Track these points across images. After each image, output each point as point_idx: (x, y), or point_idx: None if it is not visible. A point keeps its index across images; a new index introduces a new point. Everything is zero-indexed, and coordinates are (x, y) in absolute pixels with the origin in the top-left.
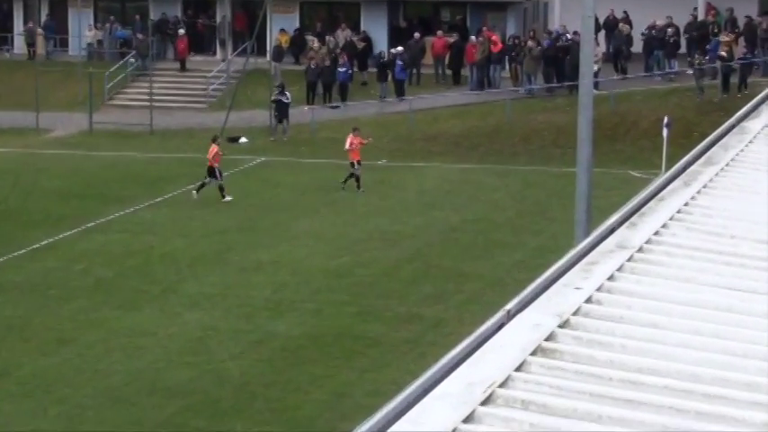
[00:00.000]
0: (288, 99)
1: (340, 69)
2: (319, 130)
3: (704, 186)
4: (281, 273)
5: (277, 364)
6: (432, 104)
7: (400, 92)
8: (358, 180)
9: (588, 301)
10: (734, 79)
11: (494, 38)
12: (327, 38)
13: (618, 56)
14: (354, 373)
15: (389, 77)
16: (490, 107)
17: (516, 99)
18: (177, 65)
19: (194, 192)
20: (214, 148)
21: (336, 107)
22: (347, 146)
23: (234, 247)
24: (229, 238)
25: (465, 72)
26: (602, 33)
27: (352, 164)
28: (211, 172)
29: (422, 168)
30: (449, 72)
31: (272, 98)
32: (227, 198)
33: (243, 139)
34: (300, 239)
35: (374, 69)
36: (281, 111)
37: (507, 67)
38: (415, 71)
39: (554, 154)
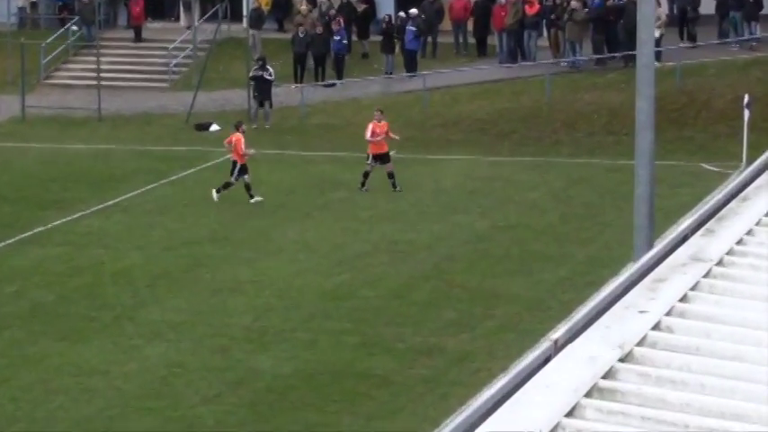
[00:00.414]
0: (270, 76)
1: (335, 38)
2: (310, 115)
3: None
4: (264, 294)
5: (261, 409)
6: (451, 81)
7: (411, 66)
8: (366, 176)
9: (656, 327)
10: None
11: None
12: None
13: (684, 18)
14: (359, 420)
15: (397, 48)
16: (524, 84)
17: (557, 74)
18: (131, 33)
19: (252, 198)
20: (239, 138)
21: (331, 85)
22: (368, 135)
23: (205, 263)
24: (199, 252)
25: (492, 40)
26: None
27: (368, 157)
28: (233, 167)
29: (439, 162)
30: (472, 41)
31: (251, 75)
32: (216, 197)
33: (214, 127)
34: (288, 252)
35: (378, 38)
36: (262, 90)
37: (545, 33)
38: (429, 40)
39: (606, 143)
